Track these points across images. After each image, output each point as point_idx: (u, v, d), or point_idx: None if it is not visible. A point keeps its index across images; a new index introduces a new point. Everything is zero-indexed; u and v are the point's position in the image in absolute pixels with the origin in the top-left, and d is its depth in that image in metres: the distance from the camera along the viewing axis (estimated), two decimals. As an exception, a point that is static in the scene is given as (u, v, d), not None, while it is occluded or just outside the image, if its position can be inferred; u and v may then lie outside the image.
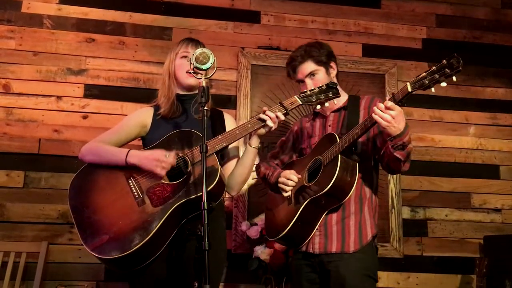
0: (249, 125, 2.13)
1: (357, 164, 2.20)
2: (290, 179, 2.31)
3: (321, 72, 2.39)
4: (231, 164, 2.27)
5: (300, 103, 2.17)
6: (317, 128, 2.48)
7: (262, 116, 2.11)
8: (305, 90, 2.21)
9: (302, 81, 2.43)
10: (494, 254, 3.16)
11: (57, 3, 3.42)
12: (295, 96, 2.19)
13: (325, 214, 2.27)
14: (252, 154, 2.20)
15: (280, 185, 2.35)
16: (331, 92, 2.18)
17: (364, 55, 3.70)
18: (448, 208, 3.57)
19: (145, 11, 3.51)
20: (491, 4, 3.98)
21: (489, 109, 3.78)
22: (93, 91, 3.34)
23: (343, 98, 2.45)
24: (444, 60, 1.87)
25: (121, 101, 3.35)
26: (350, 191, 2.18)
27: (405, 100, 1.99)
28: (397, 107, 1.99)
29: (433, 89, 1.92)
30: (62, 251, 3.10)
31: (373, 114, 2.02)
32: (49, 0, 3.41)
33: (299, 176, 2.32)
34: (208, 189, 1.92)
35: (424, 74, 1.92)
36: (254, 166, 2.71)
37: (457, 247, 3.52)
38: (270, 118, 2.10)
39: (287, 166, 2.53)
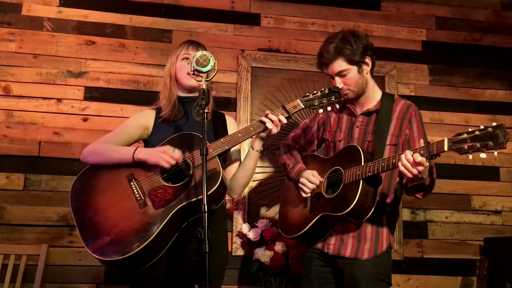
0: (252, 128, 2.13)
1: (378, 190, 2.14)
2: (311, 181, 2.29)
3: (352, 71, 2.25)
4: (233, 167, 2.28)
5: (303, 106, 2.17)
6: (344, 124, 2.39)
7: (264, 119, 2.12)
8: (308, 94, 2.21)
9: (332, 77, 2.31)
10: (495, 256, 3.16)
11: (57, 6, 3.42)
12: (298, 100, 2.19)
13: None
14: (255, 157, 2.20)
15: (300, 185, 2.33)
16: (333, 96, 2.18)
17: (364, 57, 3.69)
18: (448, 210, 3.57)
19: (145, 13, 3.51)
20: (490, 6, 3.98)
21: (488, 111, 3.78)
22: (93, 94, 3.34)
23: (377, 96, 2.36)
24: (490, 128, 1.70)
25: (121, 104, 3.34)
26: (367, 215, 2.12)
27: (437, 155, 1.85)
28: (426, 163, 1.87)
29: (470, 156, 1.74)
30: (62, 253, 3.10)
31: (399, 164, 1.91)
32: (49, 2, 3.41)
33: (321, 179, 2.29)
34: (210, 192, 1.93)
35: (465, 135, 1.75)
36: (275, 147, 2.69)
37: (458, 249, 3.52)
38: (272, 121, 2.10)
39: (308, 160, 2.49)
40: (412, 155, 1.88)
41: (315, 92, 2.21)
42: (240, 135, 2.12)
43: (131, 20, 3.49)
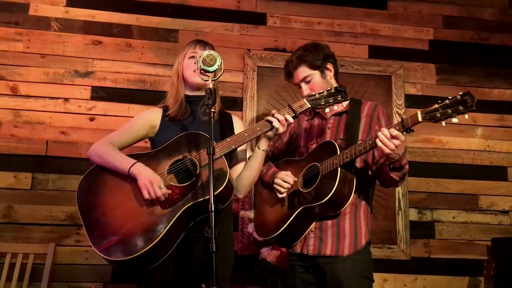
0: (258, 128, 2.13)
1: (355, 177, 2.21)
2: (286, 181, 2.34)
3: (316, 76, 2.40)
4: (239, 167, 2.27)
5: (309, 106, 2.17)
6: (315, 129, 2.47)
7: (271, 118, 2.11)
8: (314, 93, 2.21)
9: (298, 86, 2.45)
10: (502, 256, 3.14)
11: (64, 6, 3.43)
12: (304, 99, 2.19)
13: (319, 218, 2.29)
14: (260, 157, 2.19)
15: (275, 186, 2.38)
16: (340, 96, 2.18)
17: (370, 56, 3.69)
18: (455, 210, 3.56)
19: (151, 13, 3.52)
20: (498, 4, 3.96)
21: (496, 110, 3.76)
22: (100, 93, 3.35)
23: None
24: (458, 96, 1.87)
25: (128, 103, 3.36)
26: (346, 203, 2.19)
27: (413, 128, 1.99)
28: (402, 136, 2.00)
29: (443, 123, 1.91)
30: (70, 252, 3.11)
31: (377, 140, 2.02)
32: (57, 2, 3.43)
33: (295, 178, 2.34)
34: (217, 192, 1.93)
35: (436, 106, 1.91)
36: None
37: (465, 249, 3.50)
38: (278, 120, 2.10)
39: (282, 165, 2.52)
40: (388, 131, 1.99)
41: (321, 91, 2.21)
42: (246, 134, 2.12)
43: (138, 20, 3.50)
